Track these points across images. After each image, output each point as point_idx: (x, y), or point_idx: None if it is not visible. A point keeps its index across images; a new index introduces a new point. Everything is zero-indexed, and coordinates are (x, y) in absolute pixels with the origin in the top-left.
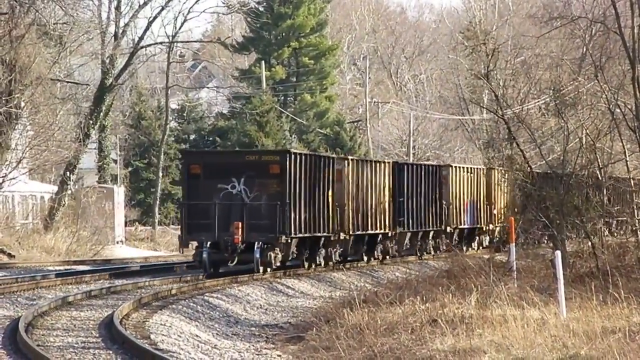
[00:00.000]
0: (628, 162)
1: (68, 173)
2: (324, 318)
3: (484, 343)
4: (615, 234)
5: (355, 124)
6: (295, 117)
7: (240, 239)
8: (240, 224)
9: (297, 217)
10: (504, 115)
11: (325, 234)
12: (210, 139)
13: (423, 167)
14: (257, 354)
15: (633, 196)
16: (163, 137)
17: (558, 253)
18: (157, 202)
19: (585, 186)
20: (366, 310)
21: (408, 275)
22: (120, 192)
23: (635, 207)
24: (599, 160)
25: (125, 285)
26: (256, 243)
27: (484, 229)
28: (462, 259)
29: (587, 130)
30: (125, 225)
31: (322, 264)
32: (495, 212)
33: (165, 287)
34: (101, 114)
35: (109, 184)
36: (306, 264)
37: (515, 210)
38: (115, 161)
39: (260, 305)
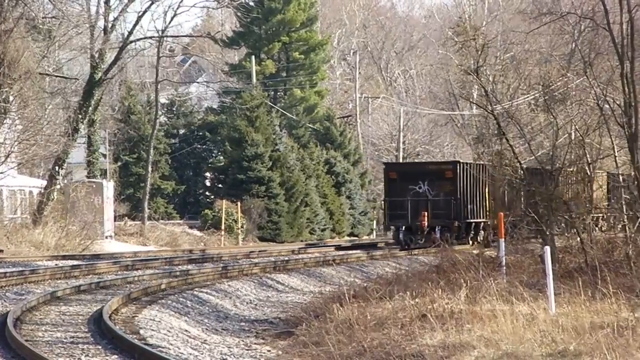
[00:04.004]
0: (617, 158)
1: (57, 167)
2: (314, 313)
3: (473, 338)
4: (603, 230)
5: (345, 119)
6: (285, 112)
7: (426, 224)
8: (425, 213)
9: (465, 208)
10: (493, 110)
11: (484, 220)
12: (200, 133)
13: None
14: (247, 349)
15: (621, 191)
16: (152, 132)
17: (547, 248)
18: (147, 197)
19: (575, 181)
20: (356, 305)
21: (397, 271)
22: (109, 187)
23: (623, 202)
24: (587, 155)
25: (114, 280)
26: (437, 227)
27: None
28: (451, 254)
29: (576, 126)
30: (115, 220)
31: (481, 242)
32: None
33: (154, 282)
34: (90, 108)
35: (98, 179)
36: (470, 242)
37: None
38: (104, 156)
39: (250, 300)
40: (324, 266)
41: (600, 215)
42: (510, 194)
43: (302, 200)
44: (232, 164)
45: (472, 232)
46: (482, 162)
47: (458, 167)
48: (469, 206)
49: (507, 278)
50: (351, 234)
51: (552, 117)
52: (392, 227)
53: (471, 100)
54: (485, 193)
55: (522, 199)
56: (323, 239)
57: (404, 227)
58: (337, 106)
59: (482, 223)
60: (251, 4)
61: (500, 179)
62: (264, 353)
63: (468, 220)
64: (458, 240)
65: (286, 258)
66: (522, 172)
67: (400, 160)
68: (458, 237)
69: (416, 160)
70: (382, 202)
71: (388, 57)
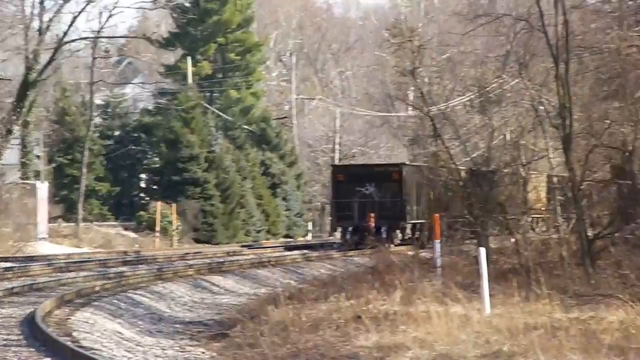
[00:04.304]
0: (551, 159)
1: None
2: (249, 315)
3: (408, 339)
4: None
5: (281, 120)
6: (221, 113)
7: (373, 225)
8: (372, 214)
9: (411, 209)
10: (429, 112)
11: (428, 221)
12: (135, 134)
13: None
14: (181, 351)
15: (555, 193)
16: (87, 133)
17: (482, 249)
18: (81, 199)
19: (509, 183)
20: (291, 307)
21: (333, 272)
22: (43, 188)
23: (557, 203)
24: (522, 157)
25: (47, 283)
26: (383, 227)
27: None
28: (386, 255)
29: (511, 127)
30: (49, 222)
31: (427, 242)
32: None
33: (88, 284)
34: (24, 109)
35: (32, 180)
36: (416, 242)
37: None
38: (38, 157)
39: (185, 302)
40: (259, 268)
41: (540, 217)
42: (445, 195)
43: (237, 202)
44: (167, 166)
45: (418, 232)
46: (428, 164)
47: (404, 169)
48: (414, 207)
49: (442, 279)
50: (287, 236)
51: (487, 118)
52: (340, 228)
53: (407, 101)
54: (430, 194)
55: (459, 200)
56: (258, 240)
57: (351, 228)
58: (273, 107)
59: (427, 223)
60: (187, 5)
61: (436, 180)
62: (198, 355)
63: (414, 221)
64: (403, 240)
65: (221, 260)
66: (457, 173)
67: (337, 162)
68: (404, 237)
69: (363, 163)
70: (330, 203)
71: (324, 59)
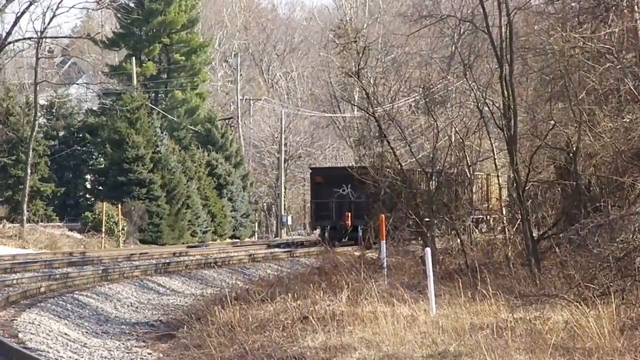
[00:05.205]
0: (496, 160)
1: None
2: (195, 316)
3: (355, 340)
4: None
5: (227, 121)
6: (166, 114)
7: (349, 224)
8: (349, 214)
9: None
10: (374, 112)
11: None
12: (80, 135)
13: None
14: (128, 352)
15: (500, 193)
16: (32, 134)
17: (428, 250)
18: (26, 199)
19: (455, 183)
20: (237, 307)
21: (279, 273)
22: None
23: (503, 204)
24: (467, 157)
25: None
26: (359, 226)
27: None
28: (333, 255)
29: (456, 128)
30: None
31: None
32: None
33: (33, 285)
34: None
35: None
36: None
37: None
38: None
39: (131, 303)
40: (205, 268)
41: (499, 217)
42: (392, 196)
43: (183, 203)
44: (112, 166)
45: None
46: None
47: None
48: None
49: (388, 280)
50: (233, 237)
51: (432, 119)
52: (318, 227)
53: (352, 102)
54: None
55: (405, 201)
56: (205, 241)
57: (329, 227)
58: (218, 108)
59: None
60: (131, 5)
61: (382, 181)
62: (145, 356)
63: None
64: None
65: (167, 260)
66: (403, 174)
67: (282, 162)
68: (378, 235)
69: (341, 166)
70: (309, 204)
71: (269, 59)
